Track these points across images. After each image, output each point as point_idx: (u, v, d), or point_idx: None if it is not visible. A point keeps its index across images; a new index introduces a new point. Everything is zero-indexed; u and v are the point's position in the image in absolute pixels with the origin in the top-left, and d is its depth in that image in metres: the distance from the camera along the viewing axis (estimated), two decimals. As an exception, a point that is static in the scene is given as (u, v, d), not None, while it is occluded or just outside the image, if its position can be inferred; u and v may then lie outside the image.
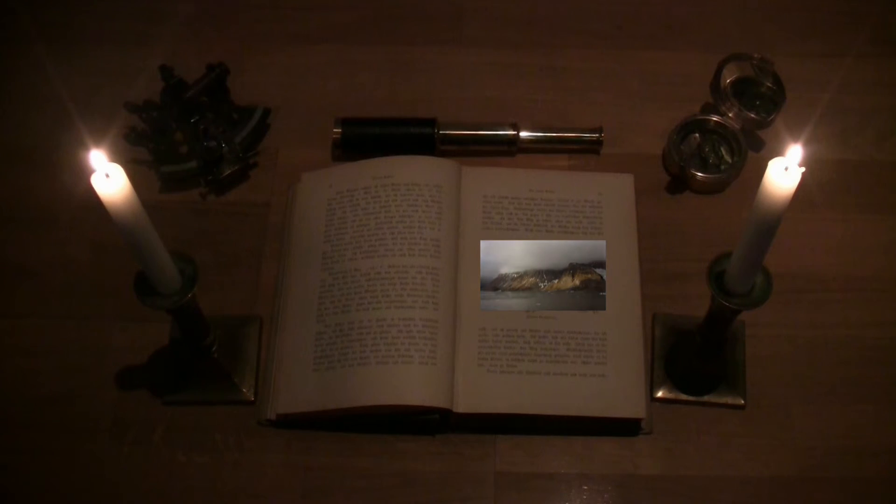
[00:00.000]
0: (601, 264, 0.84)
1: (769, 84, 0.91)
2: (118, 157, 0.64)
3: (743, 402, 0.80)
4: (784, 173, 0.60)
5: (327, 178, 0.89)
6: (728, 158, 0.91)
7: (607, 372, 0.79)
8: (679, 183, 0.91)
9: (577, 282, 0.83)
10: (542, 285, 0.83)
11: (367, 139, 0.92)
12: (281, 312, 0.84)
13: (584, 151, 0.93)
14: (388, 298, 0.80)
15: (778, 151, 0.67)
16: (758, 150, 0.93)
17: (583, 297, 0.82)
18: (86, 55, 0.99)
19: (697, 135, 0.92)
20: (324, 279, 0.83)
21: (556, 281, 0.83)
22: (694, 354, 0.80)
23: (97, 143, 0.63)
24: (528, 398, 0.78)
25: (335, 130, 0.92)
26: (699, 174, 0.89)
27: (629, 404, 0.78)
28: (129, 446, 0.79)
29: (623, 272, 0.84)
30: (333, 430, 0.79)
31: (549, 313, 0.82)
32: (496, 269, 0.84)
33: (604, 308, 0.82)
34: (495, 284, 0.83)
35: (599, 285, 0.83)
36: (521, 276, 0.84)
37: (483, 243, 0.85)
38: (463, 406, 0.78)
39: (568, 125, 0.94)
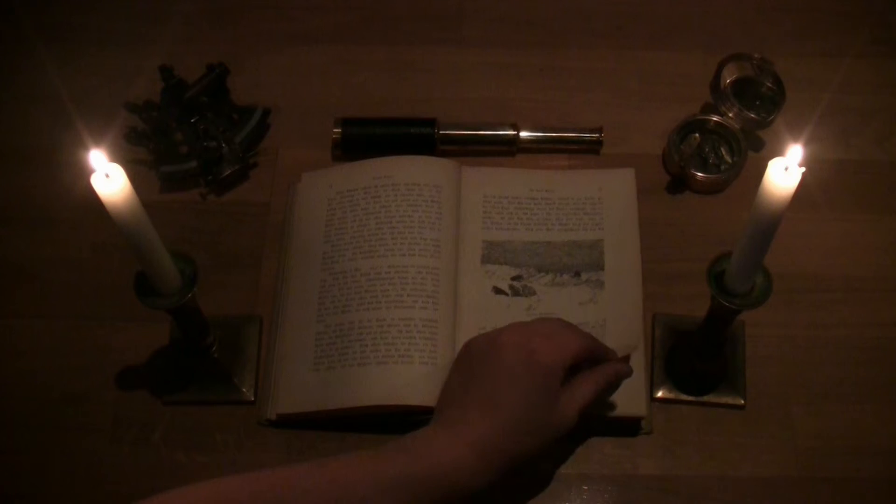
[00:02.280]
0: (601, 261, 0.84)
1: (769, 84, 0.91)
2: (118, 157, 0.64)
3: (743, 402, 0.80)
4: (784, 173, 0.60)
5: (327, 178, 0.89)
6: (728, 158, 0.91)
7: (607, 372, 0.79)
8: (679, 183, 0.91)
9: (577, 279, 0.83)
10: (542, 282, 0.83)
11: (367, 139, 0.92)
12: (281, 312, 0.84)
13: (584, 151, 0.93)
14: (387, 298, 0.80)
15: (778, 151, 0.67)
16: (758, 150, 0.93)
17: (583, 295, 0.82)
18: (86, 55, 0.99)
19: (697, 135, 0.92)
20: (324, 279, 0.83)
21: (556, 278, 0.83)
22: (694, 354, 0.80)
23: (97, 143, 0.63)
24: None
25: (335, 130, 0.92)
26: (699, 174, 0.89)
27: (629, 404, 0.78)
28: (129, 446, 0.79)
29: (624, 270, 0.84)
30: (333, 430, 0.79)
31: (549, 312, 0.82)
32: (496, 268, 0.84)
33: (604, 307, 0.82)
34: (495, 284, 0.83)
35: (600, 283, 0.83)
36: (521, 275, 0.84)
37: (483, 243, 0.85)
38: None
39: (568, 125, 0.94)
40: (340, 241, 0.85)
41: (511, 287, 0.83)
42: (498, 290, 0.83)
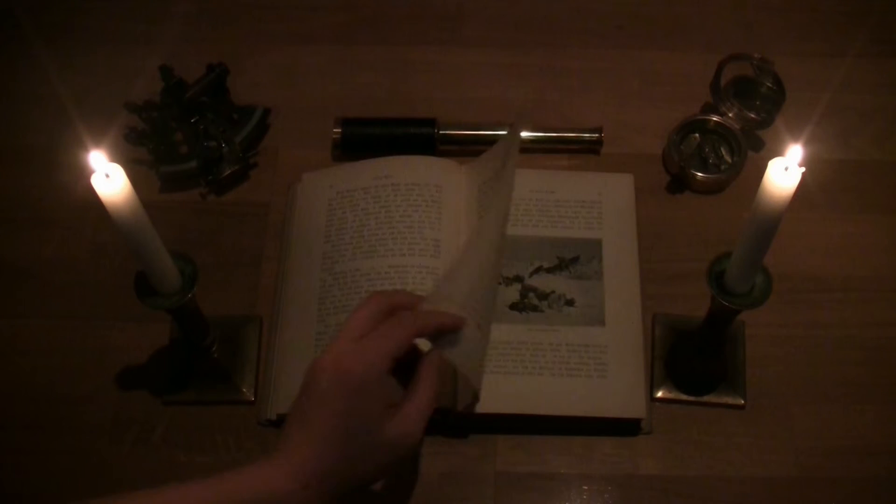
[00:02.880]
0: (599, 261, 0.84)
1: (769, 84, 0.91)
2: (118, 157, 0.64)
3: (743, 402, 0.80)
4: (784, 173, 0.60)
5: (327, 178, 0.89)
6: (728, 158, 0.91)
7: (608, 372, 0.79)
8: (679, 183, 0.91)
9: (569, 273, 0.83)
10: (535, 275, 0.82)
11: (367, 139, 0.92)
12: (281, 312, 0.84)
13: (584, 151, 0.93)
14: (388, 298, 0.80)
15: (778, 151, 0.67)
16: (758, 150, 0.93)
17: (582, 314, 0.82)
18: (86, 55, 0.99)
19: (697, 135, 0.92)
20: (324, 279, 0.83)
21: (552, 276, 0.83)
22: (694, 354, 0.80)
23: (97, 143, 0.63)
24: (528, 398, 0.78)
25: (335, 130, 0.92)
26: (699, 174, 0.89)
27: (629, 404, 0.78)
28: (129, 446, 0.79)
29: (623, 273, 0.84)
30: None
31: (544, 305, 0.82)
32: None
33: (603, 310, 0.82)
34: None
35: (598, 285, 0.83)
36: (520, 273, 0.83)
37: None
38: (463, 406, 0.77)
39: (568, 125, 0.94)
40: (341, 242, 0.85)
41: (507, 281, 0.83)
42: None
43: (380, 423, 0.62)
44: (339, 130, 0.92)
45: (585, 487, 0.78)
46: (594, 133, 0.92)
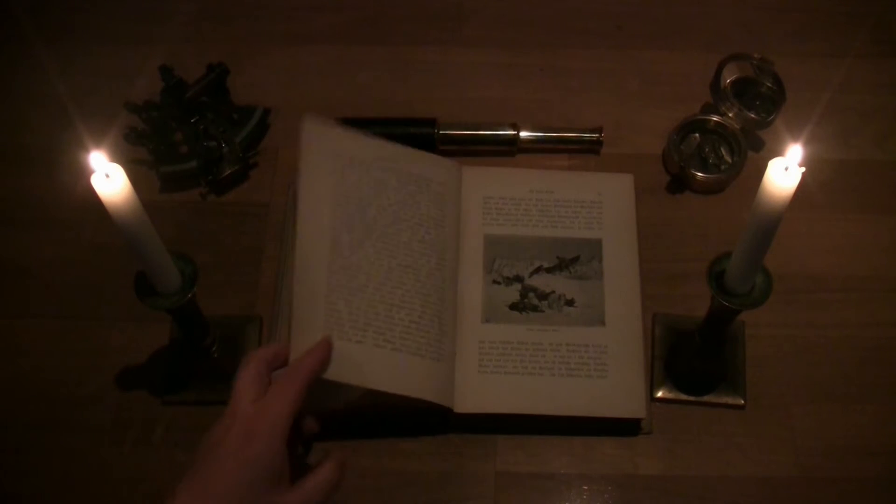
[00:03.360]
0: (599, 261, 0.84)
1: (769, 84, 0.91)
2: (118, 157, 0.64)
3: (743, 402, 0.80)
4: (784, 173, 0.60)
5: (327, 178, 0.89)
6: (728, 158, 0.91)
7: (608, 372, 0.79)
8: (679, 183, 0.91)
9: (569, 273, 0.83)
10: (536, 275, 0.83)
11: (367, 139, 0.92)
12: (281, 312, 0.84)
13: (584, 151, 0.93)
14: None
15: (778, 151, 0.67)
16: (758, 150, 0.93)
17: (582, 314, 0.82)
18: (86, 55, 0.99)
19: (697, 135, 0.92)
20: (324, 279, 0.83)
21: (552, 276, 0.83)
22: (694, 354, 0.80)
23: (97, 143, 0.63)
24: (529, 398, 0.78)
25: (335, 130, 0.92)
26: (699, 174, 0.89)
27: (629, 404, 0.78)
28: (129, 446, 0.79)
29: (623, 273, 0.84)
30: (333, 430, 0.79)
31: (544, 305, 0.82)
32: (495, 263, 0.84)
33: (603, 310, 0.82)
34: (494, 279, 0.83)
35: (598, 285, 0.83)
36: (520, 273, 0.83)
37: (484, 238, 0.85)
38: (463, 406, 0.77)
39: (568, 125, 0.94)
40: (340, 241, 0.85)
41: (507, 281, 0.83)
42: (495, 282, 0.83)
43: (278, 489, 0.60)
44: (339, 130, 0.92)
45: (585, 487, 0.78)
46: (594, 133, 0.92)
